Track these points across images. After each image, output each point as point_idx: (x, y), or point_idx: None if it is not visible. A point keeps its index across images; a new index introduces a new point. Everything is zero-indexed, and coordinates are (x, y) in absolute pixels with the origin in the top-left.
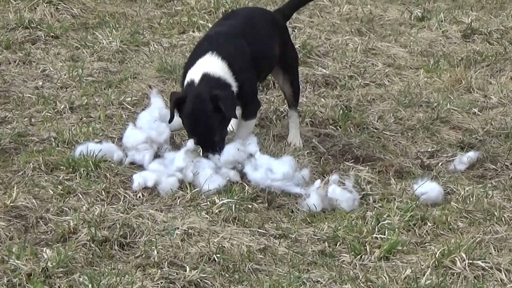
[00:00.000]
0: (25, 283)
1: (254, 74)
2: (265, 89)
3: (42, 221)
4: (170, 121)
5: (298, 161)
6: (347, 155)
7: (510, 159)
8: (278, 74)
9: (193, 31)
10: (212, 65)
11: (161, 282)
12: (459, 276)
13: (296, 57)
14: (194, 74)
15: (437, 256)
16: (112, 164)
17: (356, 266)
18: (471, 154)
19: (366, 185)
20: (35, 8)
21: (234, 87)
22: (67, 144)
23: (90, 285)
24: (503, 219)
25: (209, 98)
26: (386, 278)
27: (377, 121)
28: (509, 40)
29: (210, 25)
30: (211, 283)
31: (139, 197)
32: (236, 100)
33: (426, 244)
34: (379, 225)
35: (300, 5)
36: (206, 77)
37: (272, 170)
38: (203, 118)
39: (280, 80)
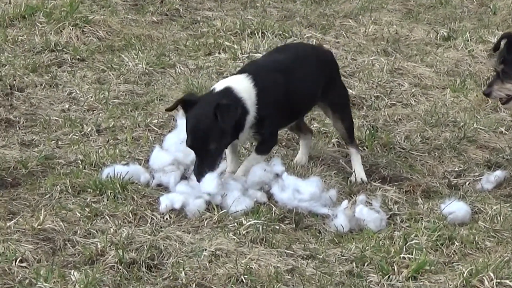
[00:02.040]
0: None
1: (281, 112)
2: None
3: (70, 244)
4: (167, 109)
5: (325, 182)
6: (374, 175)
7: None
8: (327, 112)
9: (219, 53)
10: (240, 84)
11: None
12: None
13: (346, 96)
14: (219, 85)
15: (465, 275)
16: (139, 186)
17: (384, 286)
18: (499, 173)
19: (393, 205)
20: (61, 31)
21: (252, 116)
22: (94, 167)
23: None
24: None
25: (214, 105)
26: None
27: (404, 141)
28: None
29: (235, 47)
30: None
31: (166, 219)
32: (238, 114)
33: (454, 263)
34: (406, 245)
35: None
36: (226, 90)
37: (299, 190)
38: (201, 123)
39: (330, 118)
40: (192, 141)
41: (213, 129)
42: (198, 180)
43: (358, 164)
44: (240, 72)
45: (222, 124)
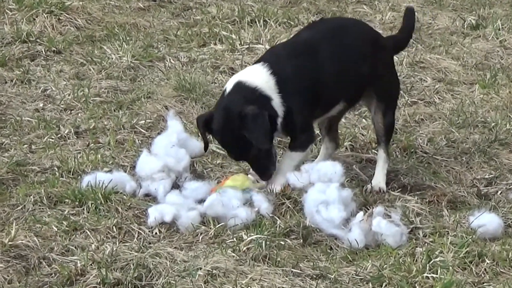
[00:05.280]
0: None
1: (308, 100)
2: None
3: (46, 262)
4: (205, 149)
5: None
6: (393, 183)
7: None
8: (371, 100)
9: (215, 44)
10: (254, 74)
11: None
12: None
13: (397, 86)
14: (230, 82)
15: None
16: (124, 196)
17: None
18: None
19: (415, 217)
20: (34, 19)
21: (278, 101)
22: (72, 174)
23: None
24: None
25: (237, 116)
26: None
27: (426, 144)
28: None
29: (233, 37)
30: None
31: (156, 233)
32: (266, 119)
33: (485, 283)
34: (430, 262)
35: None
36: (238, 87)
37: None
38: (232, 138)
39: (372, 109)
40: (237, 157)
41: (246, 140)
42: (266, 179)
43: (382, 172)
44: (256, 62)
45: (254, 139)
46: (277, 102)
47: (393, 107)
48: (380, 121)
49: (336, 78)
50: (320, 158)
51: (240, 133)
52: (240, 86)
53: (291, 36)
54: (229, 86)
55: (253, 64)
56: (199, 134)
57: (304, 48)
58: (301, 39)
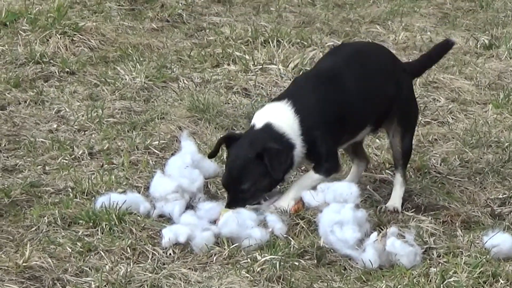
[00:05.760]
0: None
1: (334, 130)
2: None
3: (60, 283)
4: (210, 155)
5: None
6: (407, 203)
7: None
8: (391, 123)
9: (228, 64)
10: (281, 117)
11: None
12: None
13: (416, 111)
14: (259, 119)
15: None
16: (138, 217)
17: None
18: None
19: (429, 237)
20: (48, 40)
21: (300, 146)
22: (86, 195)
23: None
24: None
25: (260, 147)
26: None
27: (440, 165)
28: None
29: (247, 57)
30: None
31: (170, 254)
32: (289, 160)
33: None
34: (444, 283)
35: (433, 63)
36: (267, 128)
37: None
38: (240, 161)
39: (391, 132)
40: (226, 184)
41: (252, 174)
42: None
43: (398, 195)
44: (281, 95)
45: (274, 174)
46: (298, 149)
47: (411, 131)
48: (398, 145)
49: (362, 104)
50: (350, 177)
51: (246, 163)
52: (269, 128)
53: (314, 63)
54: (258, 124)
55: (278, 98)
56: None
57: (327, 78)
58: (324, 67)
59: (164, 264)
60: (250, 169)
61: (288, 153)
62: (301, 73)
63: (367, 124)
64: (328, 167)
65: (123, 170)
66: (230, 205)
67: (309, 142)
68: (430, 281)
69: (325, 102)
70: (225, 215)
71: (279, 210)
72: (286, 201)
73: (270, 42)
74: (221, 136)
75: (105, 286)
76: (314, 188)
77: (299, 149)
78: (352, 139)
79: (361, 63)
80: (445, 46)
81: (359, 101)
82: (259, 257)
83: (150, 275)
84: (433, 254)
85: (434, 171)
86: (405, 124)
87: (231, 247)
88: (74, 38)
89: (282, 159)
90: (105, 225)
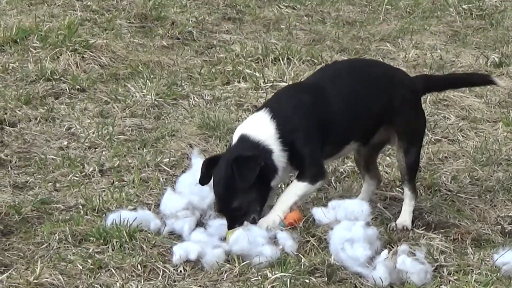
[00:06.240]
0: None
1: (314, 136)
2: None
3: None
4: (201, 182)
5: None
6: (417, 221)
7: None
8: (393, 138)
9: (239, 82)
10: (256, 125)
11: None
12: None
13: (421, 125)
14: (235, 134)
15: None
16: (149, 234)
17: None
18: None
19: (440, 255)
20: (58, 57)
21: (279, 150)
22: (97, 212)
23: None
24: None
25: (230, 161)
26: None
27: (450, 182)
28: None
29: (257, 75)
30: None
31: (180, 271)
32: (259, 166)
33: None
34: None
35: (452, 86)
36: (242, 139)
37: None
38: (222, 181)
39: (395, 147)
40: (219, 206)
41: (233, 188)
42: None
43: (409, 210)
44: (258, 109)
45: (240, 182)
46: (277, 153)
47: (416, 146)
48: (402, 160)
49: (345, 119)
50: (361, 195)
51: (227, 182)
52: (243, 139)
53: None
54: (234, 138)
55: (257, 110)
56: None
57: (308, 89)
58: (308, 80)
59: (175, 281)
60: (232, 186)
61: (259, 158)
62: None
63: (351, 139)
64: (313, 173)
65: (134, 187)
66: (231, 226)
67: (288, 144)
68: None
69: (303, 108)
70: (235, 233)
71: (270, 226)
72: (273, 215)
73: (281, 60)
74: (204, 162)
75: None
76: (303, 197)
77: (278, 153)
78: (337, 153)
79: (348, 78)
80: (482, 79)
81: (342, 115)
82: (269, 275)
83: None
84: (443, 272)
85: (445, 189)
86: (407, 139)
87: (242, 264)
88: (84, 55)
89: (251, 165)
90: (116, 242)
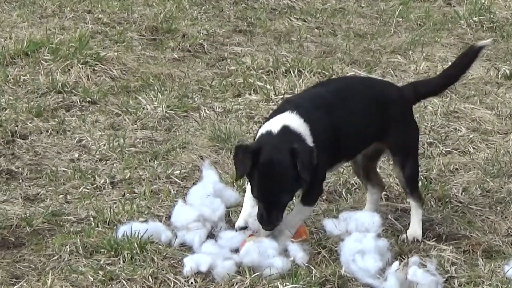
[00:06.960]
0: None
1: (327, 156)
2: None
3: None
4: (241, 175)
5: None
6: (428, 232)
7: None
8: (389, 155)
9: (250, 94)
10: (293, 120)
11: None
12: None
13: (413, 137)
14: (272, 126)
15: None
16: (160, 246)
17: None
18: None
19: (451, 266)
20: (69, 69)
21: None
22: (108, 224)
23: None
24: None
25: (288, 150)
26: None
27: (461, 194)
28: None
29: (268, 87)
30: None
31: (191, 283)
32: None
33: None
34: None
35: (447, 83)
36: (285, 130)
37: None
38: (279, 171)
39: (392, 163)
40: (266, 197)
41: (290, 182)
42: (269, 229)
43: (417, 220)
44: (277, 112)
45: (303, 172)
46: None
47: (412, 157)
48: (400, 175)
49: (348, 133)
50: (368, 206)
51: (287, 168)
52: (288, 130)
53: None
54: (274, 128)
55: (274, 113)
56: (236, 164)
57: (321, 102)
58: (314, 94)
59: None
60: (290, 178)
61: (314, 151)
62: None
63: (343, 158)
64: (315, 194)
65: (145, 199)
66: (269, 225)
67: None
68: None
69: (324, 123)
70: (245, 245)
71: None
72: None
73: (291, 72)
74: (245, 154)
75: None
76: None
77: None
78: (335, 167)
79: (348, 95)
80: (470, 52)
81: (346, 130)
82: (280, 286)
83: None
84: (454, 284)
85: (455, 201)
86: (401, 153)
87: (253, 276)
88: (95, 68)
89: (310, 156)
90: (127, 254)
